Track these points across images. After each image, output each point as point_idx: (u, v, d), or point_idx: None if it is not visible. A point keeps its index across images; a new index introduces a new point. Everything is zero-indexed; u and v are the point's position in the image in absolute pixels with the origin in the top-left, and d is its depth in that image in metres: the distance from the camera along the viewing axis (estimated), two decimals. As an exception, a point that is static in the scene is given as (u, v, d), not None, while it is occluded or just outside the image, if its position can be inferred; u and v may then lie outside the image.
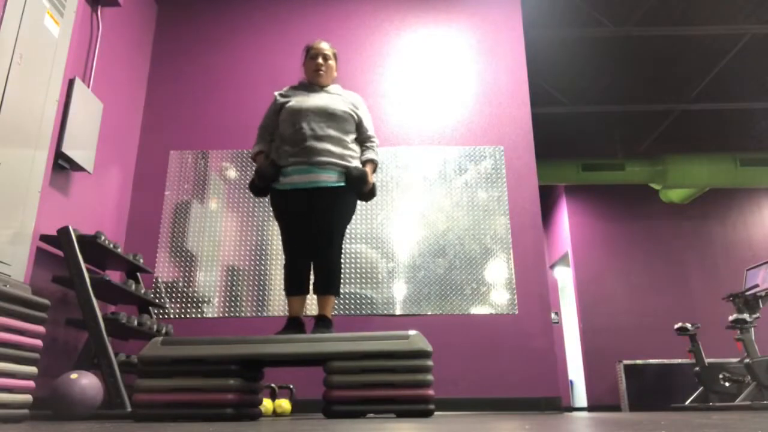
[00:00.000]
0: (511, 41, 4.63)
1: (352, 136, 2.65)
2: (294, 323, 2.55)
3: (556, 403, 3.70)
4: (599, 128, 7.45)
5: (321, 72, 2.68)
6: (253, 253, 4.07)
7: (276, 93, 2.72)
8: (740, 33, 5.52)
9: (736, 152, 6.95)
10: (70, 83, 3.22)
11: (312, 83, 2.71)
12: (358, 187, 2.54)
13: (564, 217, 8.13)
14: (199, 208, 4.17)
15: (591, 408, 7.13)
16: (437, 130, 4.40)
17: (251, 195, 4.20)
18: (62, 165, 3.22)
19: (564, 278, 8.99)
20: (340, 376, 2.18)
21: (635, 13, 5.37)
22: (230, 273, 4.02)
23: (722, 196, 8.01)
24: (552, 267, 8.92)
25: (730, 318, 5.07)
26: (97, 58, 3.68)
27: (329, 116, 2.56)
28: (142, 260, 3.51)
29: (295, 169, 2.53)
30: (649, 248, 7.79)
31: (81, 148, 3.29)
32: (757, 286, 5.19)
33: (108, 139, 3.86)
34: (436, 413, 3.43)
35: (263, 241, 4.10)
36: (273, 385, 3.58)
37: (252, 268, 4.04)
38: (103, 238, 3.02)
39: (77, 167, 3.30)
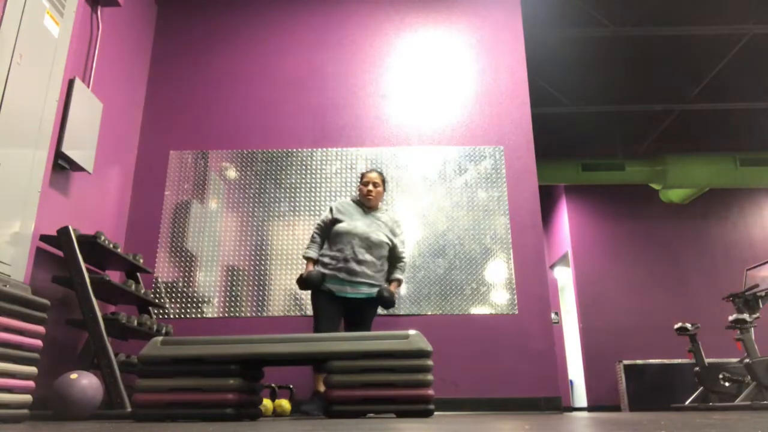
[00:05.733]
0: (511, 41, 4.63)
1: (385, 259, 3.28)
2: (320, 397, 3.08)
3: (556, 403, 3.70)
4: (599, 128, 7.45)
5: (371, 198, 3.34)
6: (253, 253, 4.07)
7: (332, 205, 3.35)
8: (740, 33, 5.52)
9: (736, 152, 6.95)
10: (70, 83, 3.22)
11: (363, 204, 3.37)
12: (386, 305, 3.17)
13: (564, 217, 8.13)
14: (199, 208, 4.17)
15: (591, 408, 7.13)
16: (437, 130, 4.40)
17: (255, 196, 4.20)
18: (62, 165, 3.21)
19: (564, 278, 8.99)
20: (340, 376, 2.18)
21: (635, 13, 5.37)
22: (230, 273, 4.02)
23: (722, 196, 8.01)
24: (552, 267, 8.92)
25: (730, 318, 5.06)
26: (97, 58, 3.68)
27: (370, 243, 3.19)
28: (142, 260, 3.51)
29: (334, 280, 3.15)
30: (649, 248, 7.79)
31: (81, 148, 3.29)
32: (757, 286, 5.19)
33: (108, 139, 3.86)
34: (436, 413, 3.43)
35: (263, 241, 4.10)
36: (273, 385, 3.58)
37: (252, 268, 4.03)
38: (102, 238, 3.02)
39: (77, 167, 3.30)
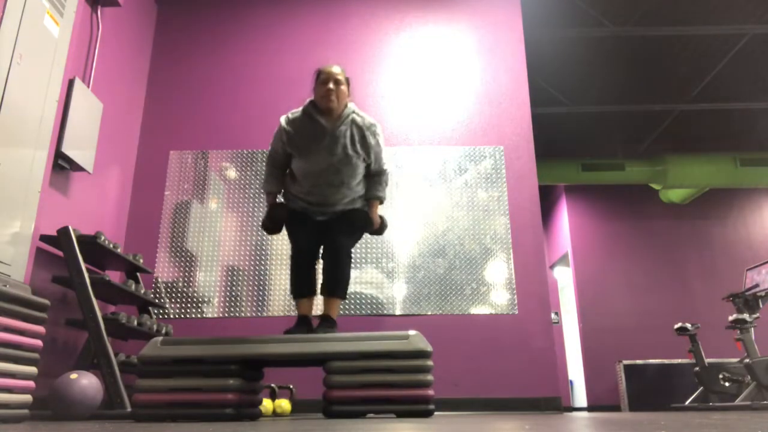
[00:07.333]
0: (511, 41, 4.63)
1: (360, 175, 2.63)
2: (303, 322, 2.57)
3: (556, 403, 3.70)
4: (599, 128, 7.44)
5: (332, 98, 2.51)
6: (253, 253, 4.07)
7: (283, 124, 2.59)
8: (740, 33, 5.52)
9: (736, 152, 6.95)
10: (70, 83, 3.22)
11: (321, 110, 2.56)
12: (364, 229, 2.68)
13: (564, 217, 8.13)
14: (199, 208, 4.17)
15: (591, 408, 7.13)
16: (437, 130, 4.40)
17: (255, 196, 4.20)
18: (62, 165, 3.21)
19: (564, 278, 8.99)
20: (340, 376, 2.18)
21: (635, 13, 5.36)
22: (230, 273, 4.02)
23: (722, 196, 8.01)
24: (552, 267, 8.92)
25: (730, 318, 5.06)
26: (97, 58, 3.67)
27: (340, 171, 2.54)
28: (142, 260, 3.51)
29: (306, 208, 2.66)
30: (649, 248, 7.79)
31: (81, 148, 3.29)
32: (757, 286, 5.19)
33: (108, 139, 3.86)
34: (436, 413, 3.43)
35: (263, 241, 4.10)
36: (273, 385, 3.58)
37: (252, 268, 4.03)
38: (102, 238, 3.02)
39: (77, 167, 3.30)
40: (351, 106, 2.63)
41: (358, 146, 2.56)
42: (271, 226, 2.64)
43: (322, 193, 2.58)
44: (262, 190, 2.72)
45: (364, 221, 2.64)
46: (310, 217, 2.64)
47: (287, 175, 2.72)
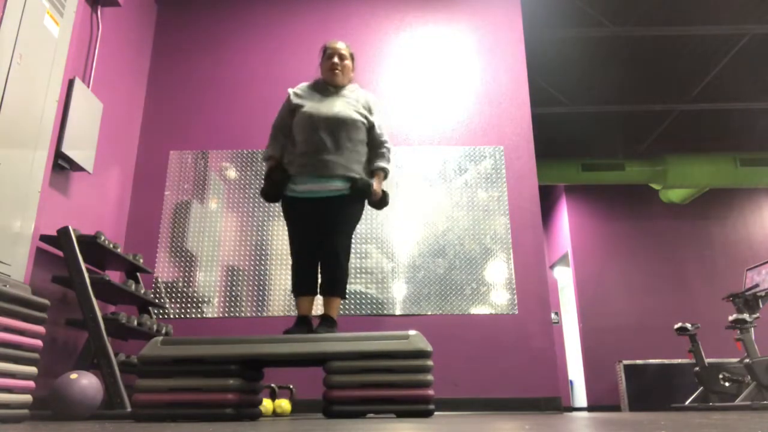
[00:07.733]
0: (511, 41, 4.63)
1: (363, 143, 2.68)
2: (303, 322, 2.57)
3: (556, 403, 3.70)
4: (599, 128, 7.44)
5: (337, 71, 2.70)
6: (253, 253, 4.07)
7: (290, 91, 2.74)
8: (740, 33, 5.52)
9: (736, 152, 6.95)
10: (70, 83, 3.22)
11: (327, 83, 2.73)
12: (363, 197, 2.64)
13: (564, 217, 8.13)
14: (199, 208, 4.17)
15: (591, 408, 7.13)
16: (437, 130, 4.40)
17: (255, 196, 4.20)
18: (62, 165, 3.21)
19: (564, 278, 8.99)
20: (340, 376, 2.18)
21: (635, 13, 5.36)
22: (230, 273, 4.02)
23: (722, 196, 8.01)
24: (552, 267, 8.92)
25: (730, 318, 5.06)
26: (97, 58, 3.67)
27: (341, 125, 2.59)
28: (142, 260, 3.51)
29: (303, 179, 2.60)
30: (649, 248, 7.79)
31: (81, 148, 3.29)
32: (757, 286, 5.19)
33: (108, 139, 3.86)
34: (436, 413, 3.43)
35: (263, 241, 4.10)
36: (273, 385, 3.58)
37: (252, 268, 4.03)
38: (102, 238, 3.02)
39: (77, 167, 3.30)
40: (355, 84, 2.82)
41: (361, 107, 2.70)
42: (269, 190, 2.62)
43: (321, 151, 2.55)
44: (263, 158, 2.73)
45: (365, 189, 2.60)
46: (307, 206, 2.58)
47: (287, 146, 2.71)
